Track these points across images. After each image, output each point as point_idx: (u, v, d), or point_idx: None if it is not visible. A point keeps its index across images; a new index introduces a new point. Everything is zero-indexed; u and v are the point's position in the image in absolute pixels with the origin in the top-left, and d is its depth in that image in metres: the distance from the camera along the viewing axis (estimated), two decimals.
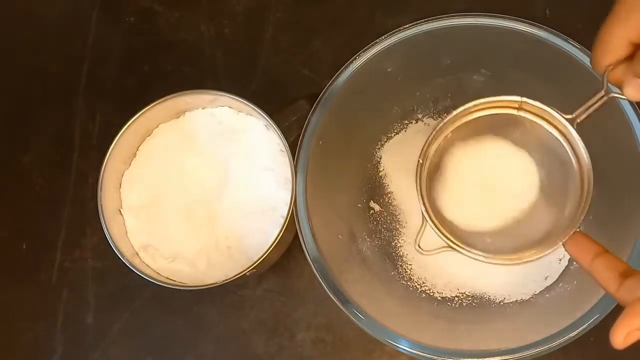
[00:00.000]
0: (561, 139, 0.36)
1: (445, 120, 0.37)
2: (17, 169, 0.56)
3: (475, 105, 0.37)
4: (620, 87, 0.32)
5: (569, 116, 0.35)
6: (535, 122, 0.37)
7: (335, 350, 0.49)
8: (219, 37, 0.56)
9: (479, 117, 0.38)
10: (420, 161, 0.37)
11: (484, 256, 0.36)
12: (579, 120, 0.35)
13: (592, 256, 0.32)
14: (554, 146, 0.37)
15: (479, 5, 0.46)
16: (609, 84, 0.32)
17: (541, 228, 0.37)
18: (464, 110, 0.37)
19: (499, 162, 0.39)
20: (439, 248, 0.37)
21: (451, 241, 0.36)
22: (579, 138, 0.35)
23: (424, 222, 0.37)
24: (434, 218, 0.37)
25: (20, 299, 0.53)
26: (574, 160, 0.36)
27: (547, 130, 0.36)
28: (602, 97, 0.33)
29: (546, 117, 0.36)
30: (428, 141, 0.37)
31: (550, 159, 0.38)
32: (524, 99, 0.36)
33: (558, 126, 0.36)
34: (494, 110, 0.37)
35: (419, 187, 0.37)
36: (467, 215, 0.39)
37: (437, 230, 0.37)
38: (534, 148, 0.38)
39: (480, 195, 0.39)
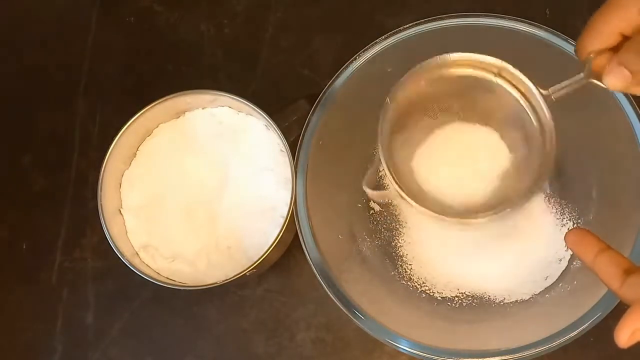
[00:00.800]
0: (530, 112, 0.36)
1: (422, 64, 0.37)
2: (17, 169, 0.56)
3: (454, 60, 0.37)
4: (601, 74, 0.32)
5: (544, 92, 0.35)
6: (508, 91, 0.37)
7: (335, 350, 0.49)
8: (219, 37, 0.56)
9: (455, 74, 0.37)
10: (388, 102, 0.37)
11: (436, 213, 0.36)
12: (553, 98, 0.35)
13: (595, 252, 0.31)
14: (522, 118, 0.37)
15: (479, 5, 0.46)
16: (590, 70, 0.32)
17: (504, 199, 0.37)
18: (443, 61, 0.37)
19: (471, 143, 0.40)
20: (385, 191, 0.37)
21: (403, 190, 0.36)
22: (549, 113, 0.35)
23: (378, 163, 0.37)
24: (389, 164, 0.37)
25: (20, 299, 0.53)
26: (539, 134, 0.36)
27: (519, 102, 0.36)
28: (580, 79, 0.33)
29: (521, 88, 0.36)
30: (399, 83, 0.37)
31: (516, 131, 0.38)
32: (504, 63, 0.36)
33: (530, 99, 0.36)
34: (472, 71, 0.37)
35: (380, 128, 0.37)
36: (436, 184, 0.39)
37: (390, 176, 0.37)
38: (501, 119, 0.38)
39: (451, 167, 0.39)
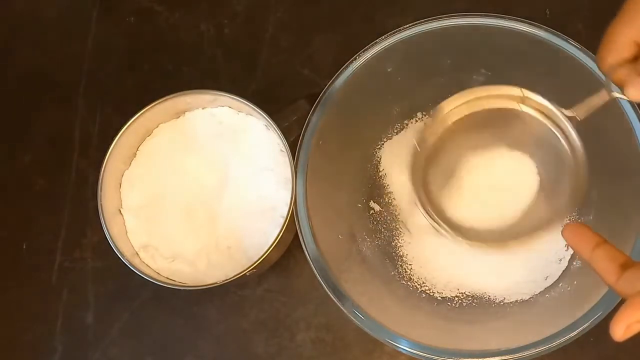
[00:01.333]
0: (559, 134, 0.36)
1: (445, 108, 0.38)
2: (17, 169, 0.56)
3: (475, 97, 0.37)
4: (622, 87, 0.32)
5: (569, 114, 0.35)
6: (535, 117, 0.37)
7: (335, 350, 0.49)
8: (219, 37, 0.56)
9: (478, 110, 0.38)
10: (418, 149, 0.37)
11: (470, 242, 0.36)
12: (579, 119, 0.35)
13: (593, 246, 0.31)
14: (552, 142, 0.37)
15: (479, 5, 0.46)
16: (611, 84, 0.32)
17: (535, 223, 0.37)
18: (463, 99, 0.37)
19: (502, 170, 0.40)
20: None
21: (439, 224, 0.37)
22: (577, 134, 0.35)
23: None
24: (427, 207, 0.37)
25: (20, 299, 0.53)
26: (570, 155, 0.36)
27: (547, 126, 0.37)
28: (604, 96, 0.33)
29: (546, 112, 0.36)
30: (426, 127, 0.38)
31: (548, 155, 0.38)
32: (526, 91, 0.36)
33: (557, 122, 0.36)
34: (495, 104, 0.37)
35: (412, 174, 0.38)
36: (468, 216, 0.39)
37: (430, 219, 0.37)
38: (531, 144, 0.38)
39: (482, 198, 0.39)
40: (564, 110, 0.35)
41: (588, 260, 0.32)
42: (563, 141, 0.36)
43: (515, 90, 0.37)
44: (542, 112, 0.37)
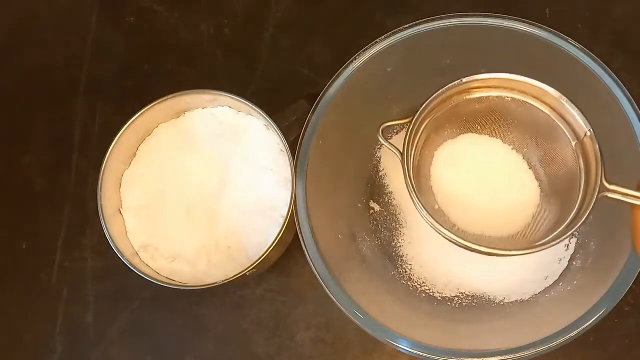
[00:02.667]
0: (554, 117, 0.37)
1: (431, 99, 0.38)
2: (17, 169, 0.56)
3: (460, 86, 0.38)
4: None
5: (604, 188, 0.35)
6: (524, 101, 0.37)
7: (335, 350, 0.49)
8: (219, 37, 0.56)
9: (468, 99, 0.38)
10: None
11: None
12: (608, 195, 0.34)
13: None
14: (547, 126, 0.37)
15: (479, 5, 0.46)
16: None
17: (546, 227, 0.37)
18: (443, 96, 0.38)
19: (500, 177, 0.41)
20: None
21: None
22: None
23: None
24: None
25: (20, 299, 0.53)
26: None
27: (538, 108, 0.37)
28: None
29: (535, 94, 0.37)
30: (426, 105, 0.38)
31: (546, 144, 0.38)
32: (566, 102, 0.36)
33: (548, 102, 0.37)
34: (483, 93, 0.38)
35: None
36: (469, 222, 0.39)
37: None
38: (526, 136, 0.39)
39: (483, 207, 0.40)
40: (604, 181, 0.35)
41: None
42: (561, 125, 0.37)
43: (553, 91, 0.37)
44: (546, 104, 0.37)
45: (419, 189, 0.39)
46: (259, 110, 0.45)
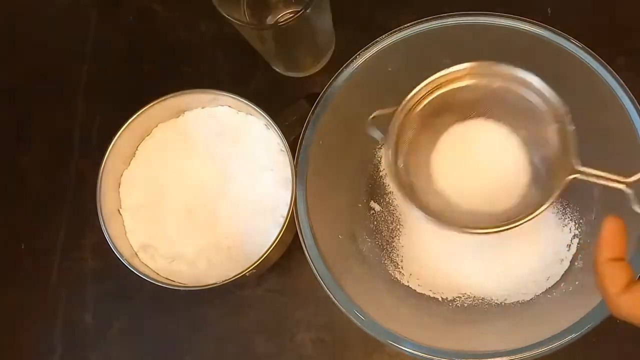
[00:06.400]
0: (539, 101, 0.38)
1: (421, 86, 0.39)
2: (17, 169, 0.56)
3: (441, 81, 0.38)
4: None
5: (622, 182, 0.35)
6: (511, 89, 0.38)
7: (335, 351, 0.49)
8: (219, 37, 0.56)
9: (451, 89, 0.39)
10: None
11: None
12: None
13: (616, 255, 0.31)
14: (532, 110, 0.38)
15: (480, 4, 0.45)
16: None
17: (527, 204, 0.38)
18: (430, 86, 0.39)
19: (490, 150, 0.41)
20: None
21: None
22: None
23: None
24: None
25: (20, 299, 0.53)
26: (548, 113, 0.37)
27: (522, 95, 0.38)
28: None
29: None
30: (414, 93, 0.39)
31: (529, 125, 0.39)
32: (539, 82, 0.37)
33: (532, 88, 0.37)
34: (470, 80, 0.39)
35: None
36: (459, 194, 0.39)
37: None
38: (513, 118, 0.40)
39: (473, 180, 0.40)
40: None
41: (600, 262, 0.31)
42: (542, 102, 0.37)
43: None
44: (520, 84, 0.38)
45: (410, 173, 0.39)
46: (259, 110, 0.45)
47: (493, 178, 0.40)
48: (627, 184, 0.34)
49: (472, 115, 0.41)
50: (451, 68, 0.39)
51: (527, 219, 0.36)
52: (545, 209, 0.36)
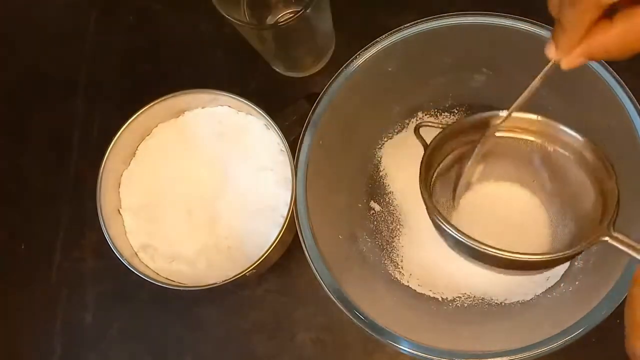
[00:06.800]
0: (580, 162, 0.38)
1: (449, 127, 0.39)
2: (17, 169, 0.56)
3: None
4: None
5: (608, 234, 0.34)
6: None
7: (335, 351, 0.49)
8: (219, 37, 0.56)
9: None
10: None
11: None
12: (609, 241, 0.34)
13: None
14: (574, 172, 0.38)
15: (481, 4, 0.45)
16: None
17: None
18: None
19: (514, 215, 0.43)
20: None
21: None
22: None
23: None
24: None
25: (20, 299, 0.53)
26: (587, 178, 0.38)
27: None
28: None
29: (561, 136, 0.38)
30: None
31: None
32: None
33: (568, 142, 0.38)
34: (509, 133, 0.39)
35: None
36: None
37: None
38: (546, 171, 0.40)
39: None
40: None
41: (633, 310, 0.31)
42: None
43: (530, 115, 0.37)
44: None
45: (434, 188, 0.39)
46: (258, 110, 0.45)
47: (515, 234, 0.42)
48: None
49: (510, 178, 0.42)
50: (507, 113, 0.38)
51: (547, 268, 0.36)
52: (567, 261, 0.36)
